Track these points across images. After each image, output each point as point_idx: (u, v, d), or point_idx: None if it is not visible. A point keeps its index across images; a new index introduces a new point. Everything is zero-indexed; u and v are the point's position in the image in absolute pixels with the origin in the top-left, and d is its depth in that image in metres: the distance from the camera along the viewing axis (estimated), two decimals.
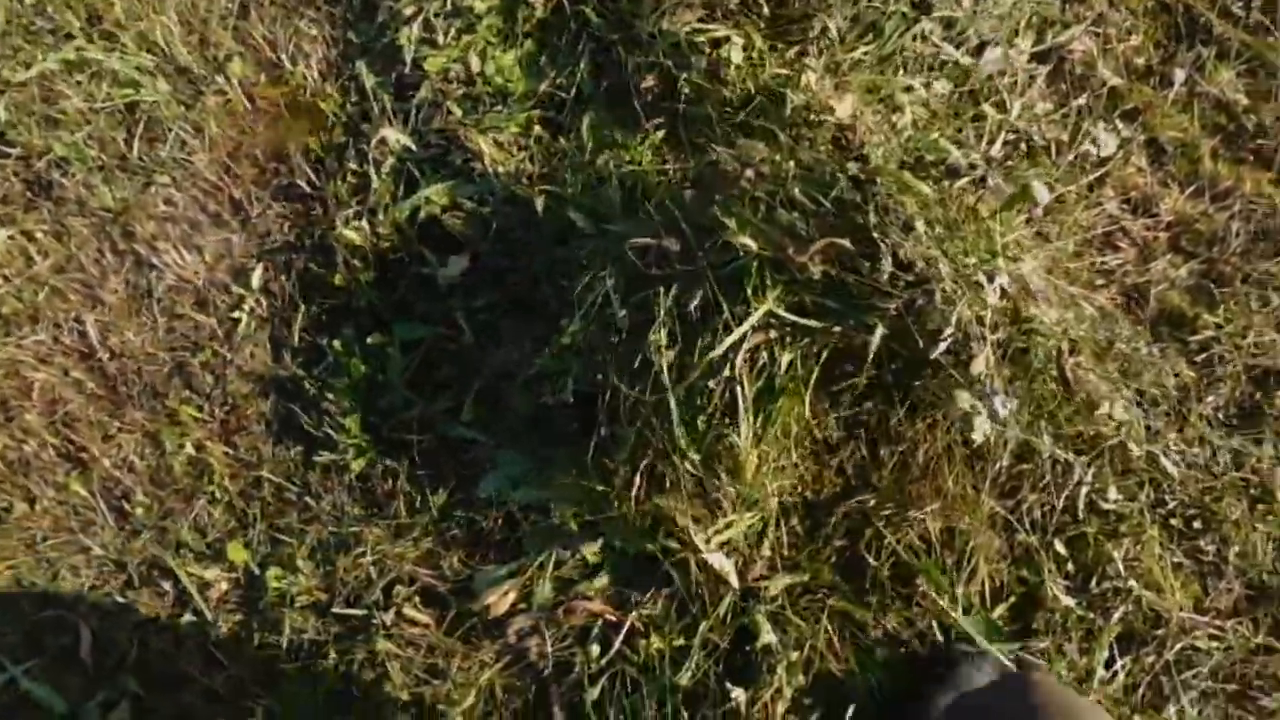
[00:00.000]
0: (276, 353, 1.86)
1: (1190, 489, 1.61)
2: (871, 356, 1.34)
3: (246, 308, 1.89)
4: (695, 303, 1.39)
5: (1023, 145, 1.80)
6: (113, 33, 2.17)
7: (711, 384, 1.36)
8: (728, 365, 1.36)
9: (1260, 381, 1.71)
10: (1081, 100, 1.87)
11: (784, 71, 1.71)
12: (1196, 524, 1.62)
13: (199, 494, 1.77)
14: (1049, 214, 1.75)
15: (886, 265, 1.32)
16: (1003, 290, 1.35)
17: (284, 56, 2.10)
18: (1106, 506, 1.57)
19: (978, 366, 1.32)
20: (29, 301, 1.93)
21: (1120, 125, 1.85)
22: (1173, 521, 1.62)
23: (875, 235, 1.33)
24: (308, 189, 1.97)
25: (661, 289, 1.40)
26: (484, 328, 1.80)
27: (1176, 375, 1.69)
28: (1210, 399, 1.68)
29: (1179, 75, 1.87)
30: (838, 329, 1.36)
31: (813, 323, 1.36)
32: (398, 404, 1.76)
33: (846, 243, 1.32)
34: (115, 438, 1.82)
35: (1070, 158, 1.82)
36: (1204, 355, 1.71)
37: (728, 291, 1.38)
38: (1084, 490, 1.56)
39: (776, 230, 1.36)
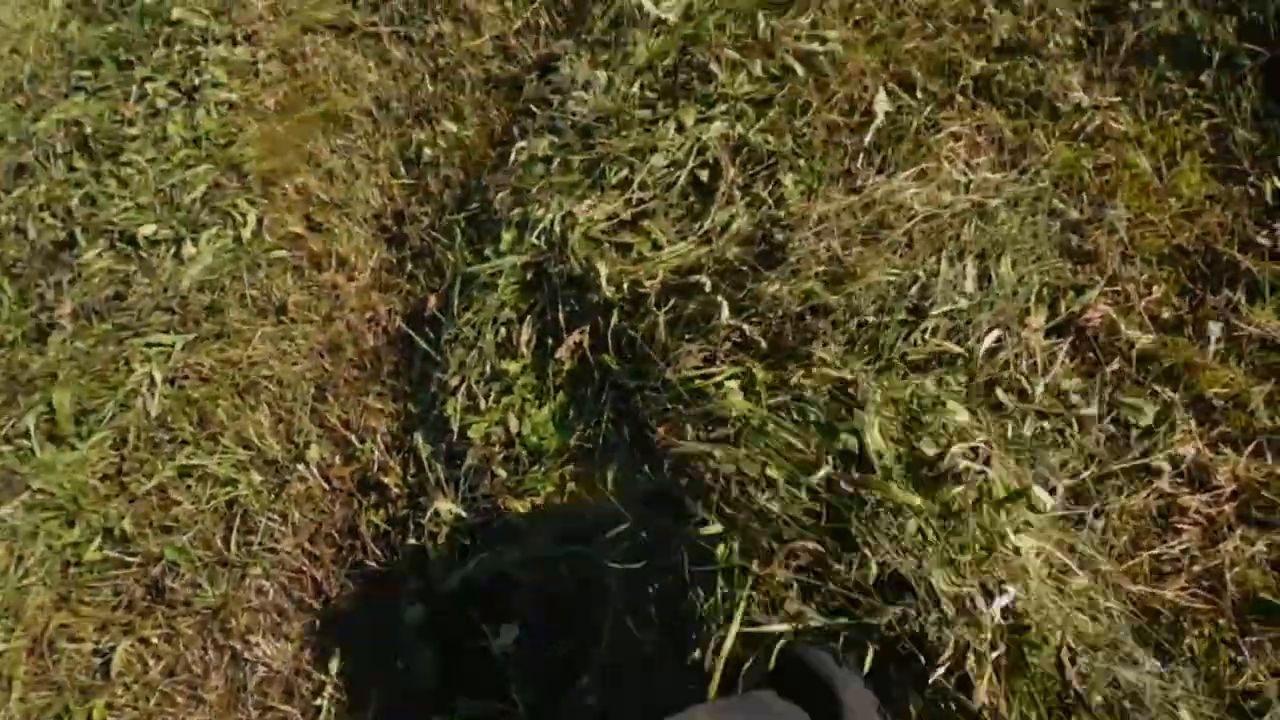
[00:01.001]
0: None
1: None
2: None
3: (327, 693, 1.95)
4: None
5: (1049, 434, 1.68)
6: (216, 434, 2.39)
7: None
8: None
9: None
10: (1113, 366, 1.75)
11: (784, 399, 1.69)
12: None
13: None
14: (1095, 506, 1.61)
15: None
16: (1006, 609, 1.24)
17: (354, 435, 2.25)
18: None
19: (980, 697, 1.19)
20: (143, 710, 2.06)
21: (1161, 389, 1.71)
22: None
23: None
24: (376, 566, 2.06)
25: None
26: (538, 699, 1.78)
27: (1276, 675, 1.47)
28: None
29: (1214, 329, 1.73)
30: None
31: None
32: None
33: None
34: None
35: (1107, 433, 1.68)
36: None
37: None
38: None
39: None
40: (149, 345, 2.63)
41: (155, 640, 2.15)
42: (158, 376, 2.55)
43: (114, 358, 2.61)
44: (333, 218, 2.74)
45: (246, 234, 2.79)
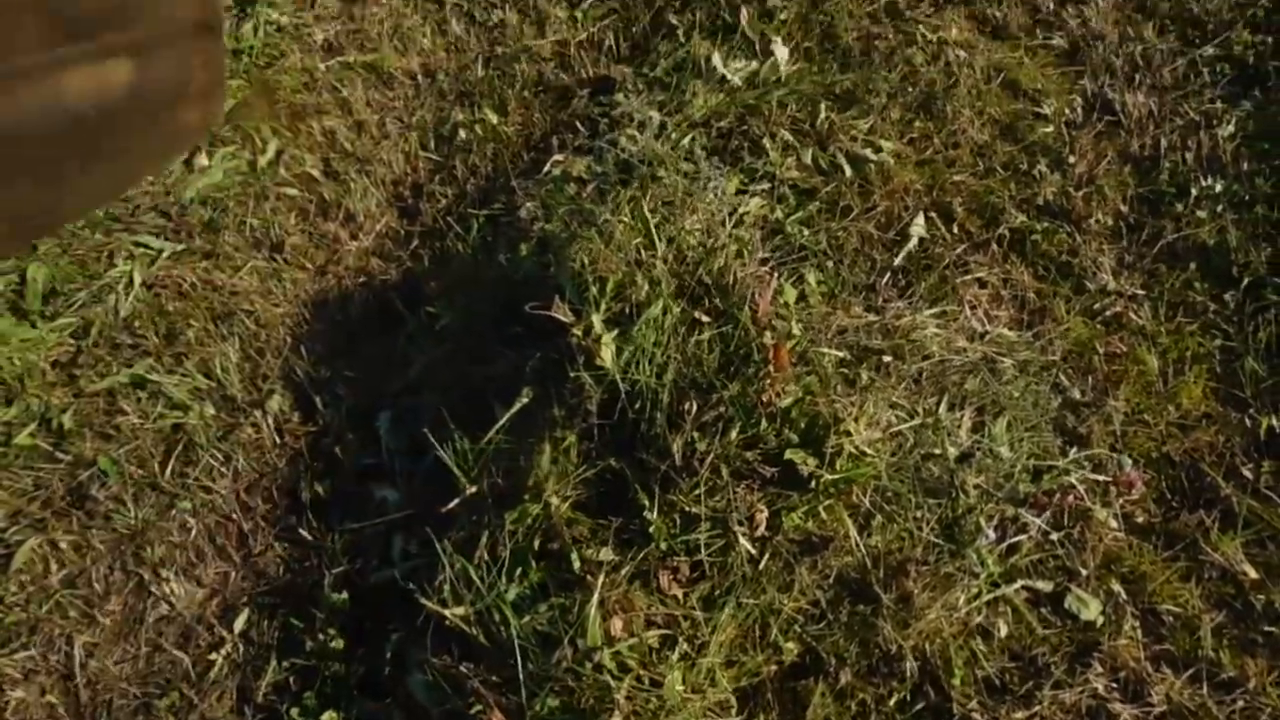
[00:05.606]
0: (240, 706, 1.74)
1: None
2: None
3: (224, 651, 1.79)
4: None
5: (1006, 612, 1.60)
6: (182, 354, 2.20)
7: None
8: None
9: None
10: (1072, 555, 1.67)
11: None
12: None
13: None
14: (1025, 683, 1.53)
15: None
16: None
17: (318, 398, 2.09)
18: None
19: None
20: (33, 614, 1.87)
21: (1116, 590, 1.63)
22: None
23: None
24: (309, 537, 1.90)
25: None
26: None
27: None
28: None
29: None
30: None
31: None
32: None
33: None
34: None
35: (1055, 621, 1.61)
36: None
37: None
38: None
39: None
40: (136, 244, 2.42)
41: (64, 546, 1.95)
42: (137, 278, 2.34)
43: (99, 247, 2.39)
44: (352, 170, 2.56)
45: (263, 161, 2.59)
